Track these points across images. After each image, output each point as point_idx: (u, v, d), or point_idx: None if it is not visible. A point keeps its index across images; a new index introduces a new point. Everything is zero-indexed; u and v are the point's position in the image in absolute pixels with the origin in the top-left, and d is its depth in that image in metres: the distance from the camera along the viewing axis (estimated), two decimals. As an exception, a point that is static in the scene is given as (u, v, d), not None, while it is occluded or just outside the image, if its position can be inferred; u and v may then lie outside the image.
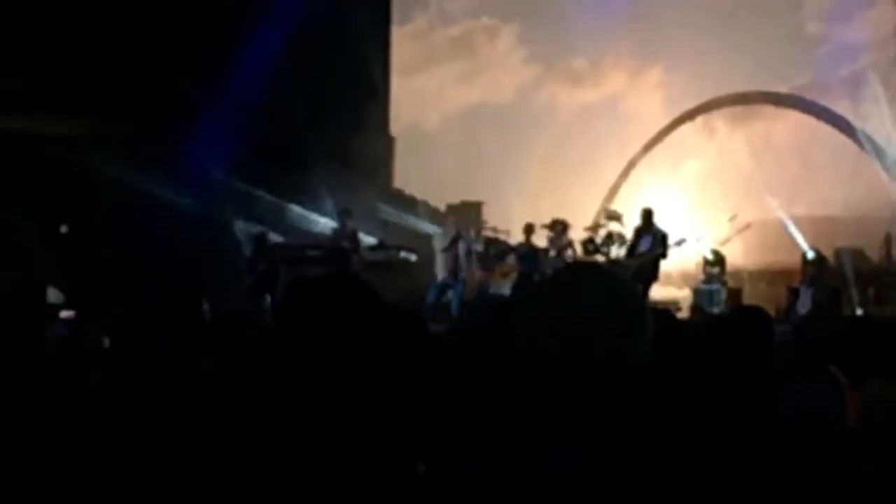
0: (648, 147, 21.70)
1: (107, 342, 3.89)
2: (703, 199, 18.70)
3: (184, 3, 15.06)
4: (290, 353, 2.18)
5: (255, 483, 2.05)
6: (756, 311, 4.28)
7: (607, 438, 1.67)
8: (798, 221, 18.04)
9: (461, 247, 14.36)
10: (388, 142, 20.07)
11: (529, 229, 14.88)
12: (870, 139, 19.89)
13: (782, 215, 18.25)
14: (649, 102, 23.26)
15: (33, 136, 13.58)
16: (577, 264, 7.68)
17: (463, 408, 2.54)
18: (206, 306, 3.76)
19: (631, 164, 20.75)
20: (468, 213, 18.63)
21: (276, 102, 15.71)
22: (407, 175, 20.51)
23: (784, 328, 9.17)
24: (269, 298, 14.11)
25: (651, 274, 13.64)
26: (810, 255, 14.43)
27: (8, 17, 13.58)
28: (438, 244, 15.27)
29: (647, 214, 13.94)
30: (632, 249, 13.95)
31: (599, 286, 1.77)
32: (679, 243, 13.93)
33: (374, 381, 2.20)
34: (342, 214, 14.59)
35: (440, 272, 14.80)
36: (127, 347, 3.32)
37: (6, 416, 2.18)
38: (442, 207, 19.81)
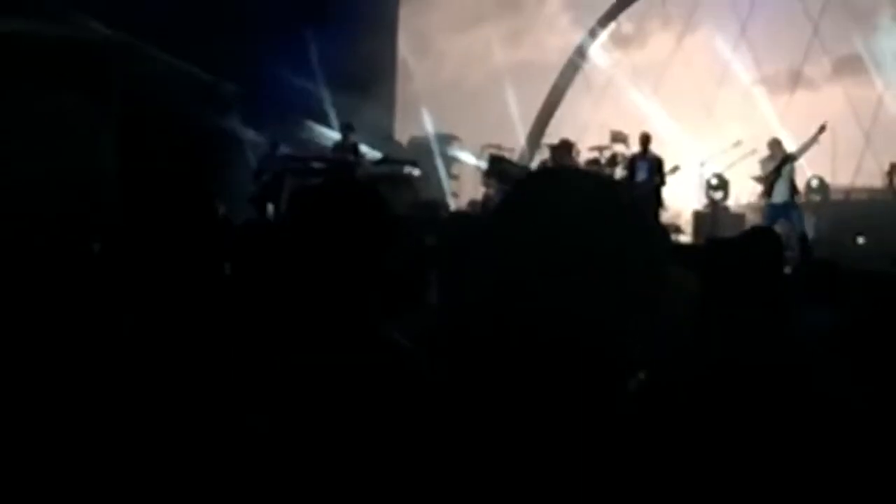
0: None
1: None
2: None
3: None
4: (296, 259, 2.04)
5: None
6: (764, 232, 4.23)
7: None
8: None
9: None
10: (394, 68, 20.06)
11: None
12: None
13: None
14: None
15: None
16: (551, 168, 6.88)
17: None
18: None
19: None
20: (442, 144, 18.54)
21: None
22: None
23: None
24: (271, 208, 14.19)
25: (656, 202, 13.22)
26: None
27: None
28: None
29: (645, 139, 13.53)
30: (631, 177, 13.48)
31: (584, 187, 1.31)
32: (673, 171, 13.42)
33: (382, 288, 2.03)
34: (345, 128, 14.68)
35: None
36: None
37: None
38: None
